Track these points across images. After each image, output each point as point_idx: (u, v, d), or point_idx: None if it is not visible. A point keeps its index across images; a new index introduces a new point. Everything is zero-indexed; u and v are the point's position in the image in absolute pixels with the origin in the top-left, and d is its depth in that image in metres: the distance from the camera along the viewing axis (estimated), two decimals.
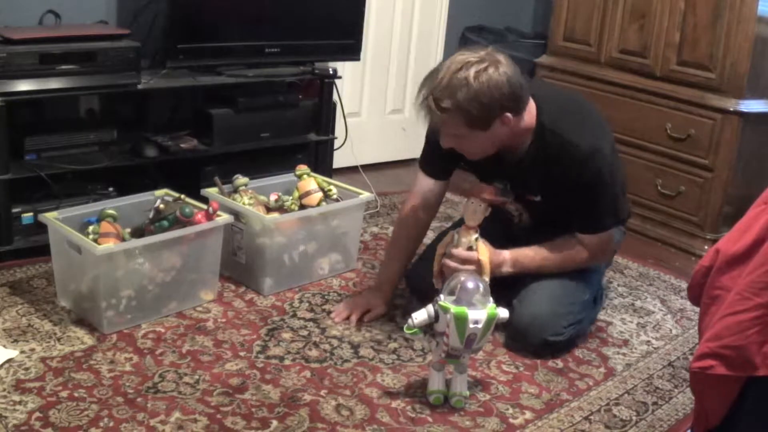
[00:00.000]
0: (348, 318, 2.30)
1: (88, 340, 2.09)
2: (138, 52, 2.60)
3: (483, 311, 1.83)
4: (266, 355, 2.10)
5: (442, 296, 1.88)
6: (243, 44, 2.95)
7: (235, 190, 2.55)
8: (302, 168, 2.65)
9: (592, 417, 1.98)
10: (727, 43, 2.99)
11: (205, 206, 2.33)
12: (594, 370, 2.19)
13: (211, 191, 2.54)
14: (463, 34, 4.06)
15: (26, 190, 2.51)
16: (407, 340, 2.22)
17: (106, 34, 2.64)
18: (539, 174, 2.14)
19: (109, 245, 2.10)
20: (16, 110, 2.48)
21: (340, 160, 3.45)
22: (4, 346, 2.01)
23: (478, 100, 1.92)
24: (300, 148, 3.15)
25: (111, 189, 2.67)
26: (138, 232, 2.28)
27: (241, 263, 2.49)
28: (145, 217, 2.30)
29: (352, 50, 3.24)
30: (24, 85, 2.41)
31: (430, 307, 1.89)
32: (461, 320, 1.81)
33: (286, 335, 2.21)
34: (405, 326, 1.92)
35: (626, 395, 2.09)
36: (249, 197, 2.52)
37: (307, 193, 2.56)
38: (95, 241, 2.15)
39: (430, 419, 1.90)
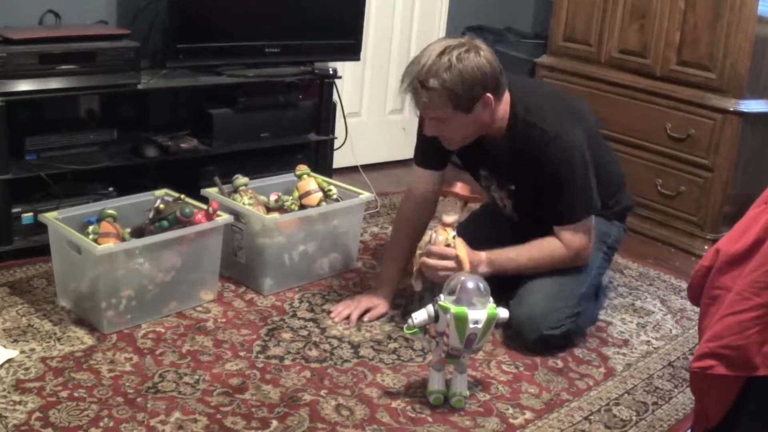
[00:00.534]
0: (348, 318, 2.31)
1: (88, 340, 2.09)
2: (138, 52, 2.61)
3: (483, 311, 1.83)
4: (266, 355, 2.09)
5: (442, 296, 1.88)
6: (243, 44, 2.95)
7: (235, 190, 2.55)
8: (302, 168, 2.65)
9: (592, 417, 1.98)
10: (727, 43, 2.99)
11: (205, 206, 2.33)
12: (594, 370, 2.19)
13: (211, 191, 2.54)
14: (463, 35, 4.05)
15: (26, 190, 2.51)
16: (407, 340, 2.22)
17: (106, 34, 2.64)
18: (514, 162, 2.20)
19: (109, 245, 2.10)
20: (16, 110, 2.48)
21: (340, 160, 3.45)
22: (4, 346, 2.01)
23: (462, 78, 2.01)
24: (300, 148, 3.15)
25: (111, 189, 2.67)
26: (138, 232, 2.28)
27: (241, 263, 2.49)
28: (145, 217, 2.30)
29: (352, 50, 3.25)
30: (24, 85, 2.41)
31: (430, 307, 1.89)
32: (461, 320, 1.81)
33: (286, 335, 2.21)
34: (405, 326, 1.93)
35: (626, 395, 2.09)
36: (249, 197, 2.52)
37: (307, 193, 2.56)
38: (95, 241, 2.14)
39: (430, 419, 1.90)
